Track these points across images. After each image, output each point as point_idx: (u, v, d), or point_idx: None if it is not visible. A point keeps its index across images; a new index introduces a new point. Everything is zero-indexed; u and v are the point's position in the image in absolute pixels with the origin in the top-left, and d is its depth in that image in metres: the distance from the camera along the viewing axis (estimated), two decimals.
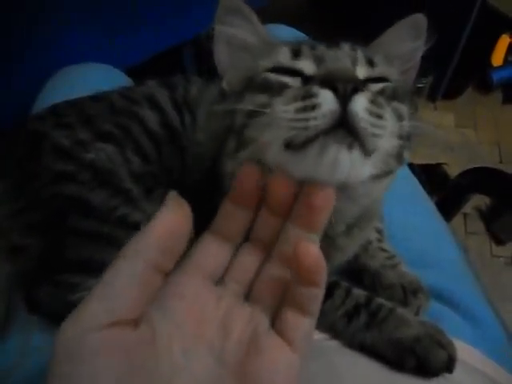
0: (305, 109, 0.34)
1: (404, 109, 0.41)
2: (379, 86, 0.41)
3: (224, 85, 0.45)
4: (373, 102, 0.34)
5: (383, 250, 0.60)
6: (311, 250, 0.32)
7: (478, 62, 1.99)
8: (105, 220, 0.52)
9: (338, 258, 0.55)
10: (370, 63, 0.42)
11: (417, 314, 0.54)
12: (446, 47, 1.76)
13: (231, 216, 0.37)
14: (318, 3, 2.21)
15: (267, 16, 1.14)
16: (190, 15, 1.07)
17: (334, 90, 0.33)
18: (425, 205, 0.74)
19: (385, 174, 0.39)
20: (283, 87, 0.38)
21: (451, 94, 1.97)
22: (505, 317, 1.42)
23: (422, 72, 1.71)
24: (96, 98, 0.61)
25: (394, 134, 0.37)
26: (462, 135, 1.90)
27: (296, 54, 0.41)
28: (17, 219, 0.53)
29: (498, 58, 2.00)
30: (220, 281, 0.37)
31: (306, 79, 0.39)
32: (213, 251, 0.37)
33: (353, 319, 0.50)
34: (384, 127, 0.35)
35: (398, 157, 0.40)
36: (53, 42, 0.99)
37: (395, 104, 0.40)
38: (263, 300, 0.36)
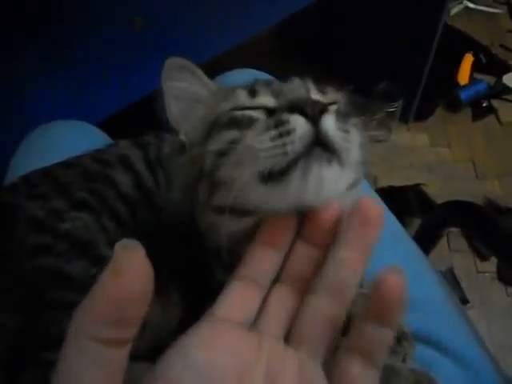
0: (280, 135, 0.35)
1: (358, 122, 0.44)
2: (334, 107, 0.43)
3: (182, 137, 0.46)
4: (338, 120, 0.37)
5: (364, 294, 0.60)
6: (397, 279, 0.30)
7: (445, 82, 2.05)
8: (85, 290, 0.51)
9: None
10: (322, 91, 0.45)
11: (403, 361, 0.54)
12: (414, 70, 1.81)
13: (261, 258, 0.37)
14: (282, 40, 2.25)
15: (233, 56, 1.17)
16: (161, 64, 1.08)
17: (303, 113, 0.36)
18: (405, 246, 0.74)
19: (356, 182, 0.42)
20: (251, 121, 0.39)
21: (423, 114, 2.01)
22: (493, 333, 1.44)
23: (393, 96, 1.76)
24: (68, 165, 0.61)
25: (358, 145, 0.39)
26: (437, 154, 1.94)
27: (253, 93, 0.43)
28: None
29: (463, 76, 2.06)
30: (253, 326, 0.34)
31: (270, 112, 0.40)
32: (243, 296, 0.35)
33: None
34: (352, 140, 0.37)
35: (363, 165, 0.43)
36: (21, 98, 0.99)
37: (352, 119, 0.43)
38: (311, 342, 0.32)
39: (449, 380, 0.52)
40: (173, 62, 0.46)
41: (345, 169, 0.37)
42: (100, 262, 0.53)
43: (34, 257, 0.52)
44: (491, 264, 1.61)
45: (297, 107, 0.36)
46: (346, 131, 0.37)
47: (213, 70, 0.93)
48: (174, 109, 0.47)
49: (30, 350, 0.51)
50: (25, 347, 0.51)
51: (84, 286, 0.51)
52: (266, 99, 0.42)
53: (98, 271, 0.51)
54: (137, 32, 1.01)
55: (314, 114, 0.35)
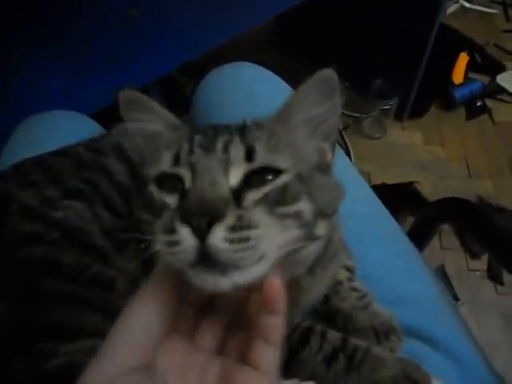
0: (169, 243, 0.34)
1: (297, 206, 0.39)
2: (260, 192, 0.38)
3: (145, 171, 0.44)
4: (234, 227, 0.34)
5: (354, 289, 0.60)
6: (275, 283, 0.35)
7: (441, 81, 2.06)
8: (77, 280, 0.51)
9: (306, 299, 0.55)
10: (249, 157, 0.39)
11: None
12: (409, 68, 1.81)
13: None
14: (279, 35, 2.25)
15: (231, 49, 1.16)
16: (155, 56, 1.08)
17: (191, 224, 0.34)
18: (399, 243, 0.74)
19: (303, 246, 0.40)
20: (162, 207, 0.38)
21: (417, 112, 2.01)
22: (481, 330, 1.45)
23: (388, 94, 1.77)
24: (61, 153, 0.60)
25: (279, 235, 0.37)
26: (430, 153, 1.95)
27: (176, 160, 0.40)
28: None
29: (458, 75, 2.06)
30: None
31: (183, 192, 0.38)
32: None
33: (332, 364, 0.50)
34: (254, 242, 0.34)
35: (309, 235, 0.40)
36: (16, 88, 0.98)
37: (280, 209, 0.38)
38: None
39: (440, 374, 0.53)
40: (125, 99, 0.44)
41: (245, 271, 0.35)
42: (91, 251, 0.52)
43: (26, 245, 0.52)
44: (482, 262, 1.62)
45: (186, 217, 0.34)
46: (241, 239, 0.34)
47: (210, 63, 0.93)
48: (132, 144, 0.46)
49: (21, 338, 0.50)
50: (16, 336, 0.50)
51: (75, 276, 0.51)
52: (184, 172, 0.39)
53: (90, 261, 0.52)
54: (134, 23, 1.00)
55: (200, 228, 0.33)
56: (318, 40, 2.10)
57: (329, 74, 0.43)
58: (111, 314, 0.51)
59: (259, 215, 0.36)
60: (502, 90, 2.10)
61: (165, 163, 0.40)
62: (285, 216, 0.37)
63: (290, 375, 0.51)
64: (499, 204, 1.75)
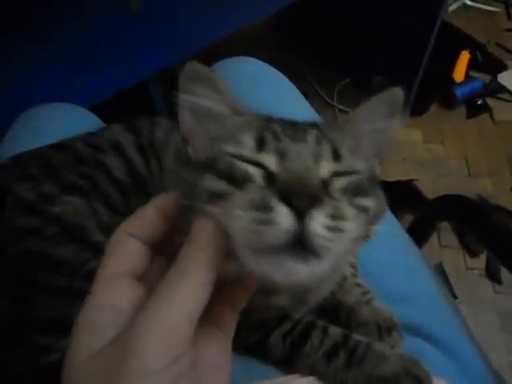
0: (260, 222, 0.32)
1: (368, 201, 0.39)
2: (344, 181, 0.39)
3: (190, 150, 0.43)
4: (333, 216, 0.33)
5: (358, 285, 0.60)
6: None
7: (442, 79, 2.05)
8: (75, 275, 0.51)
9: (314, 298, 0.55)
10: (336, 157, 0.40)
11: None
12: (410, 66, 1.81)
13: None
14: (279, 30, 2.24)
15: (231, 44, 1.16)
16: (155, 50, 1.07)
17: (291, 204, 0.32)
18: (399, 240, 0.74)
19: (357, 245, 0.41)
20: (245, 179, 0.37)
21: (418, 110, 2.01)
22: (478, 328, 1.46)
23: None
24: (60, 147, 0.60)
25: (357, 230, 0.36)
26: (430, 151, 1.95)
27: (260, 145, 0.39)
28: None
29: (459, 74, 2.06)
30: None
31: (269, 175, 0.37)
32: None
33: (332, 359, 0.50)
34: (344, 235, 0.34)
35: (364, 237, 0.40)
36: (16, 81, 0.97)
37: (358, 200, 0.38)
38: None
39: (439, 371, 0.53)
40: (191, 70, 0.42)
41: (324, 261, 0.34)
42: (90, 246, 0.52)
43: (23, 240, 0.51)
44: (480, 261, 1.62)
45: (287, 195, 0.33)
46: (336, 229, 0.33)
47: (210, 58, 0.93)
48: (186, 121, 0.43)
49: (17, 332, 0.50)
50: (12, 329, 0.50)
51: (72, 271, 0.51)
52: (269, 159, 0.38)
53: (88, 256, 0.51)
54: (134, 15, 0.99)
55: (302, 209, 0.32)
56: (318, 36, 2.10)
57: (398, 93, 0.45)
58: None
59: (347, 207, 0.36)
60: (503, 89, 2.10)
61: (248, 147, 0.39)
62: (361, 208, 0.38)
63: (290, 370, 0.51)
64: (497, 203, 1.75)
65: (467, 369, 0.59)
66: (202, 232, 0.34)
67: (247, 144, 0.39)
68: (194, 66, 0.42)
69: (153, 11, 1.04)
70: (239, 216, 0.33)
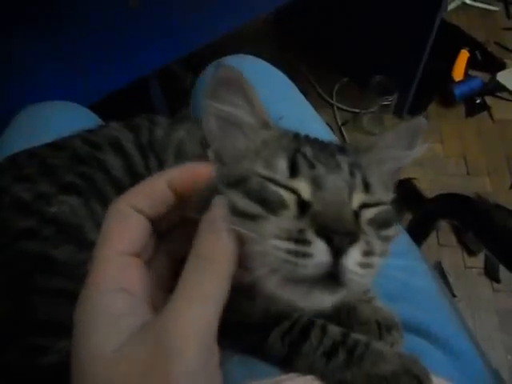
0: (296, 254, 0.33)
1: (391, 231, 0.41)
2: (371, 213, 0.39)
3: (210, 154, 0.43)
4: (365, 252, 0.34)
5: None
6: None
7: (440, 77, 2.05)
8: (72, 276, 0.50)
9: None
10: (367, 188, 0.40)
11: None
12: (409, 64, 1.81)
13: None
14: (279, 28, 2.24)
15: (230, 42, 1.16)
16: (154, 48, 1.07)
17: (329, 240, 0.33)
18: (400, 239, 0.74)
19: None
20: (279, 205, 0.36)
21: (416, 109, 2.01)
22: (477, 327, 1.46)
23: (388, 90, 1.76)
24: (57, 146, 0.59)
25: (381, 260, 0.37)
26: (429, 149, 1.93)
27: (294, 170, 0.39)
28: None
29: (458, 72, 2.06)
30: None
31: (303, 202, 0.37)
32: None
33: (331, 358, 0.50)
34: (373, 270, 0.35)
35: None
36: (14, 79, 0.97)
37: (384, 231, 0.39)
38: None
39: (438, 369, 0.52)
40: (224, 76, 0.41)
41: (350, 290, 0.35)
42: (87, 247, 0.52)
43: (19, 240, 0.51)
44: (479, 260, 1.63)
45: (325, 231, 0.33)
46: (368, 265, 0.34)
47: (209, 55, 0.92)
48: (211, 125, 0.43)
49: (14, 334, 0.50)
50: (10, 330, 0.50)
51: (69, 272, 0.50)
52: (304, 186, 0.38)
53: (85, 256, 0.51)
54: (133, 13, 0.98)
55: (340, 246, 0.33)
56: (317, 35, 2.10)
57: (423, 123, 0.46)
58: None
59: (376, 242, 0.37)
60: (502, 88, 2.10)
61: (281, 172, 0.39)
62: (385, 239, 0.39)
63: (289, 369, 0.51)
64: (496, 201, 1.75)
65: (466, 367, 0.59)
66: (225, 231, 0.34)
67: (281, 168, 0.39)
68: (228, 72, 0.41)
69: (152, 9, 1.03)
70: (274, 245, 0.34)
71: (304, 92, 0.91)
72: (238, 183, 0.38)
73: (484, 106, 2.06)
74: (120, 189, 0.55)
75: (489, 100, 2.08)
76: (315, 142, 0.45)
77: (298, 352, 0.50)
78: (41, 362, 0.48)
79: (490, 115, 2.04)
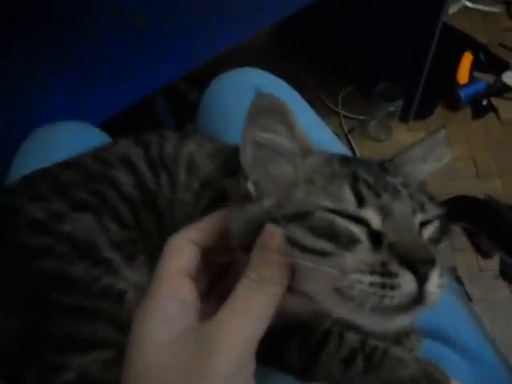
0: (382, 286, 0.34)
1: (442, 244, 0.43)
2: (430, 230, 0.41)
3: (249, 186, 0.42)
4: (441, 273, 0.36)
5: None
6: None
7: (445, 81, 2.05)
8: (88, 292, 0.51)
9: None
10: (423, 208, 0.42)
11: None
12: (413, 69, 1.81)
13: None
14: (281, 39, 2.25)
15: (233, 55, 1.17)
16: (161, 64, 1.08)
17: (414, 269, 0.35)
18: None
19: None
20: (352, 241, 0.37)
21: (422, 114, 2.01)
22: (496, 330, 1.43)
23: (393, 96, 1.75)
24: (69, 165, 0.60)
25: None
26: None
27: (360, 201, 0.39)
28: None
29: (463, 75, 2.05)
30: None
31: (373, 233, 0.38)
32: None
33: (350, 365, 0.50)
34: (444, 288, 0.37)
35: None
36: (22, 104, 0.98)
37: (439, 246, 0.42)
38: None
39: (457, 374, 0.52)
40: (262, 103, 0.40)
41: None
42: (102, 263, 0.52)
43: (36, 259, 0.51)
44: (494, 262, 1.60)
45: (408, 262, 0.35)
46: (442, 285, 0.37)
47: (212, 69, 0.93)
48: (249, 154, 0.42)
49: (33, 352, 0.50)
50: (26, 350, 0.50)
51: (85, 289, 0.51)
52: (372, 215, 0.38)
53: (100, 273, 0.51)
54: (137, 32, 1.00)
55: (424, 274, 0.35)
56: (320, 45, 2.11)
57: (443, 135, 0.48)
58: (122, 326, 0.51)
59: (440, 259, 0.38)
60: (508, 89, 2.09)
61: (350, 203, 0.39)
62: (440, 253, 0.40)
63: (306, 379, 0.50)
64: (508, 203, 1.73)
65: (485, 371, 0.58)
66: (276, 251, 0.37)
67: (348, 199, 0.39)
68: (267, 99, 0.40)
69: (155, 27, 1.05)
70: (358, 279, 0.35)
71: (309, 102, 0.92)
72: (299, 218, 0.38)
73: (491, 108, 2.05)
74: (132, 205, 0.56)
75: (495, 101, 2.07)
76: (362, 164, 0.45)
77: (316, 361, 0.50)
78: (58, 381, 0.48)
79: (497, 116, 2.04)
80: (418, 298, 0.35)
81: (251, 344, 0.35)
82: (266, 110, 0.41)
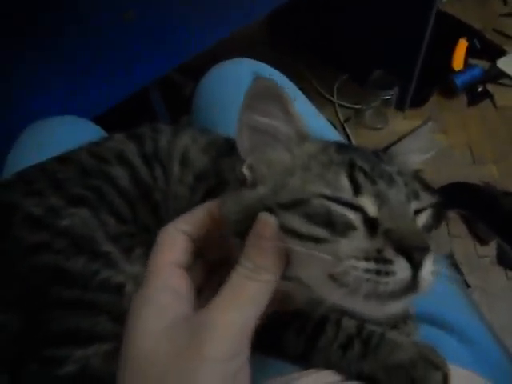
0: (377, 272, 0.35)
1: (435, 232, 0.43)
2: (423, 218, 0.42)
3: (245, 170, 0.42)
4: (434, 260, 0.37)
5: None
6: None
7: (441, 68, 2.04)
8: (87, 286, 0.51)
9: None
10: (417, 196, 0.42)
11: None
12: (408, 57, 1.80)
13: None
14: (275, 29, 2.24)
15: (226, 46, 1.16)
16: (151, 59, 1.08)
17: (409, 256, 0.35)
18: None
19: None
20: (348, 228, 0.37)
21: (418, 101, 2.01)
22: (493, 316, 1.45)
23: (388, 84, 1.75)
24: (65, 160, 0.60)
25: None
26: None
27: (356, 187, 0.39)
28: None
29: (458, 62, 2.05)
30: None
31: (369, 220, 0.38)
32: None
33: (347, 350, 0.50)
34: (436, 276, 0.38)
35: None
36: (16, 96, 0.98)
37: (432, 233, 0.42)
38: None
39: (455, 358, 0.52)
40: (260, 87, 0.40)
41: None
42: (100, 257, 0.52)
43: (33, 255, 0.51)
44: (491, 248, 1.61)
45: (403, 249, 0.35)
46: (435, 272, 0.37)
47: (206, 62, 0.93)
48: (245, 138, 0.42)
49: (31, 347, 0.50)
50: (26, 345, 0.50)
51: (84, 283, 0.51)
52: (368, 203, 0.39)
53: (98, 267, 0.51)
54: (130, 25, 0.99)
55: (419, 260, 0.35)
56: (314, 34, 2.10)
57: (431, 126, 0.47)
58: (122, 318, 0.51)
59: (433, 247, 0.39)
60: (503, 75, 2.09)
61: (346, 190, 0.39)
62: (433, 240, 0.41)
63: (304, 365, 0.51)
64: (505, 188, 1.73)
65: (483, 355, 0.58)
66: (270, 239, 0.37)
67: (344, 187, 0.39)
68: (264, 83, 0.40)
69: (148, 19, 1.04)
70: (353, 266, 0.35)
71: (304, 92, 0.91)
72: (295, 205, 0.38)
73: (486, 94, 2.05)
74: (128, 199, 0.56)
75: (491, 87, 2.07)
76: (359, 152, 0.45)
77: (314, 347, 0.50)
78: (59, 373, 0.49)
79: (493, 103, 2.04)
80: (412, 285, 0.35)
81: (245, 330, 0.35)
82: (263, 94, 0.41)
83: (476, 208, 0.79)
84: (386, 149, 0.49)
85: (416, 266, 0.35)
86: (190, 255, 0.42)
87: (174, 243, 0.41)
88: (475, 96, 2.04)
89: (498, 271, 1.57)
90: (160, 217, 0.55)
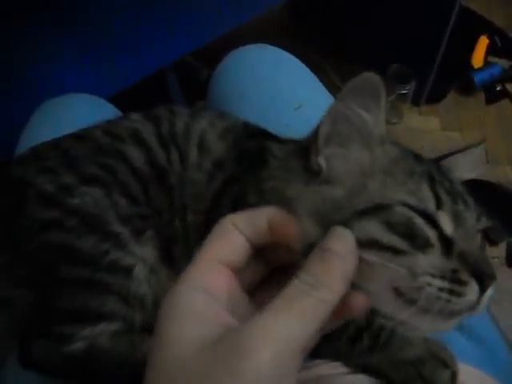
0: (450, 292, 0.35)
1: None
2: (479, 239, 0.42)
3: (320, 160, 0.41)
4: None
5: None
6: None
7: (460, 65, 2.01)
8: (96, 266, 0.51)
9: None
10: (479, 218, 0.42)
11: None
12: (427, 52, 1.78)
13: None
14: (294, 19, 2.21)
15: (244, 32, 1.15)
16: (173, 40, 1.07)
17: (480, 281, 0.36)
18: None
19: None
20: (426, 244, 0.37)
21: (435, 97, 1.98)
22: (502, 318, 1.43)
23: (405, 78, 1.72)
24: (79, 137, 0.60)
25: None
26: (448, 138, 1.91)
27: (439, 204, 0.38)
28: (3, 272, 0.52)
29: (478, 59, 2.01)
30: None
31: (444, 238, 0.38)
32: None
33: (356, 343, 0.50)
34: None
35: None
36: (34, 75, 0.98)
37: None
38: None
39: (464, 356, 0.52)
40: (367, 80, 0.39)
41: None
42: (110, 237, 0.52)
43: (44, 232, 0.52)
44: (500, 249, 1.60)
45: (477, 273, 0.36)
46: (491, 297, 0.38)
47: (224, 47, 0.92)
48: (328, 127, 0.41)
49: (41, 323, 0.51)
50: (36, 321, 0.51)
51: (93, 262, 0.51)
52: (446, 220, 0.38)
53: (108, 247, 0.51)
54: (148, 5, 0.98)
55: (488, 286, 0.36)
56: (332, 25, 2.07)
57: (483, 150, 0.50)
58: (129, 299, 0.51)
59: None
60: None
61: (430, 203, 0.38)
62: None
63: (313, 356, 0.51)
64: None
65: (492, 354, 0.58)
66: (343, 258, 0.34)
67: (428, 198, 0.39)
68: (372, 77, 0.39)
69: (166, 2, 1.03)
70: (428, 282, 0.35)
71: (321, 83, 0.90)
72: (375, 211, 0.37)
73: (504, 93, 2.02)
74: (142, 180, 0.56)
75: (509, 87, 2.03)
76: (434, 165, 0.45)
77: (322, 338, 0.50)
78: (67, 350, 0.49)
79: (511, 102, 2.00)
80: (474, 306, 0.36)
81: (294, 347, 0.30)
82: (368, 87, 0.39)
83: (491, 204, 0.78)
84: (437, 161, 0.48)
85: (483, 291, 0.36)
86: (243, 255, 0.37)
87: (227, 238, 0.36)
88: (493, 95, 2.01)
89: (507, 272, 1.56)
90: (173, 200, 0.55)
